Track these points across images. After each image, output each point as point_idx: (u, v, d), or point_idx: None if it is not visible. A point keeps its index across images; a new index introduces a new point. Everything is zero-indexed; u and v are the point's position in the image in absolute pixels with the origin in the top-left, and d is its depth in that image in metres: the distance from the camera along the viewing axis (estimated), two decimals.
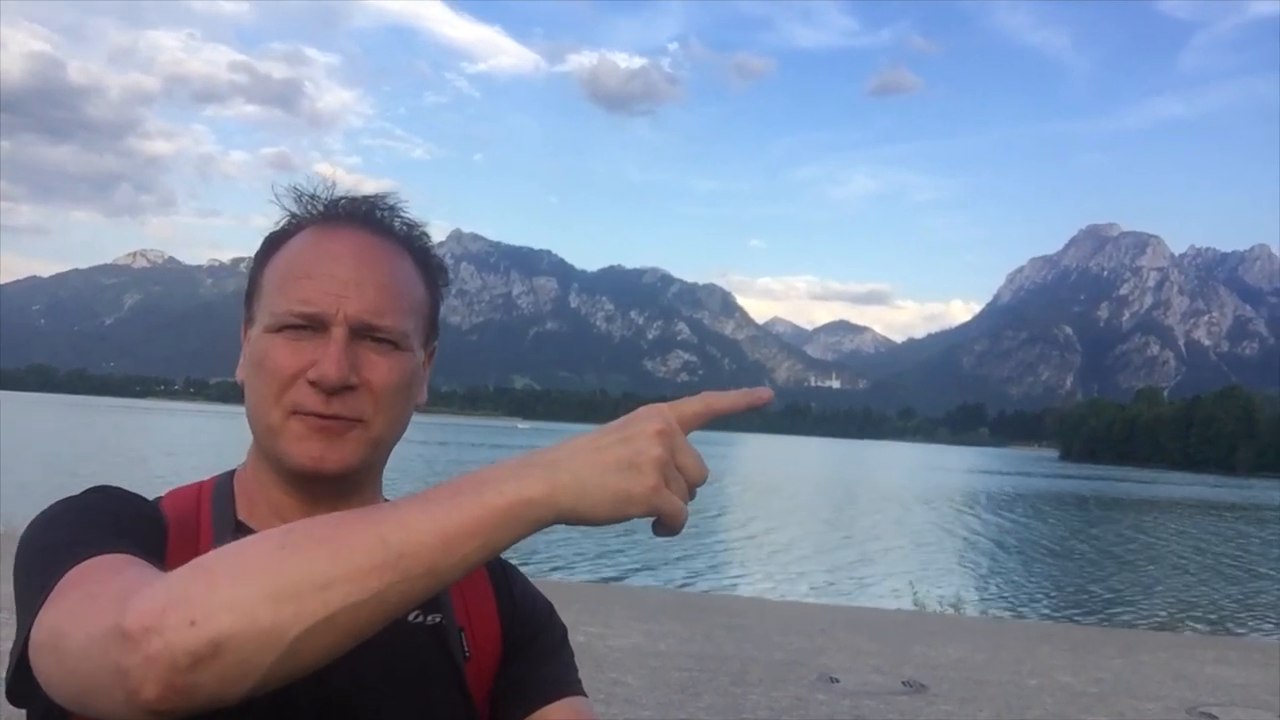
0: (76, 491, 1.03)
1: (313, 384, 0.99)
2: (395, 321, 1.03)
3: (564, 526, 0.82)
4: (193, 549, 1.00)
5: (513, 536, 0.80)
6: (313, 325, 1.00)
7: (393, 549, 0.76)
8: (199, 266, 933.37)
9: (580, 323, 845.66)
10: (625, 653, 8.47)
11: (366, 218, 1.07)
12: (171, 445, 55.50)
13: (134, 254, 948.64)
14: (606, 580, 16.78)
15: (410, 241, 1.10)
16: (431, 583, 0.78)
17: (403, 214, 1.10)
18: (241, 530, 1.05)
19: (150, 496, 1.09)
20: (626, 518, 0.81)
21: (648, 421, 0.82)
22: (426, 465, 51.56)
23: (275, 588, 0.75)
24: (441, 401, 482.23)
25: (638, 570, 18.46)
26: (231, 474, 1.12)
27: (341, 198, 1.08)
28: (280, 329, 1.01)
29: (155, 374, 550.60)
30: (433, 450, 69.81)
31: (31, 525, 0.97)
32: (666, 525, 0.82)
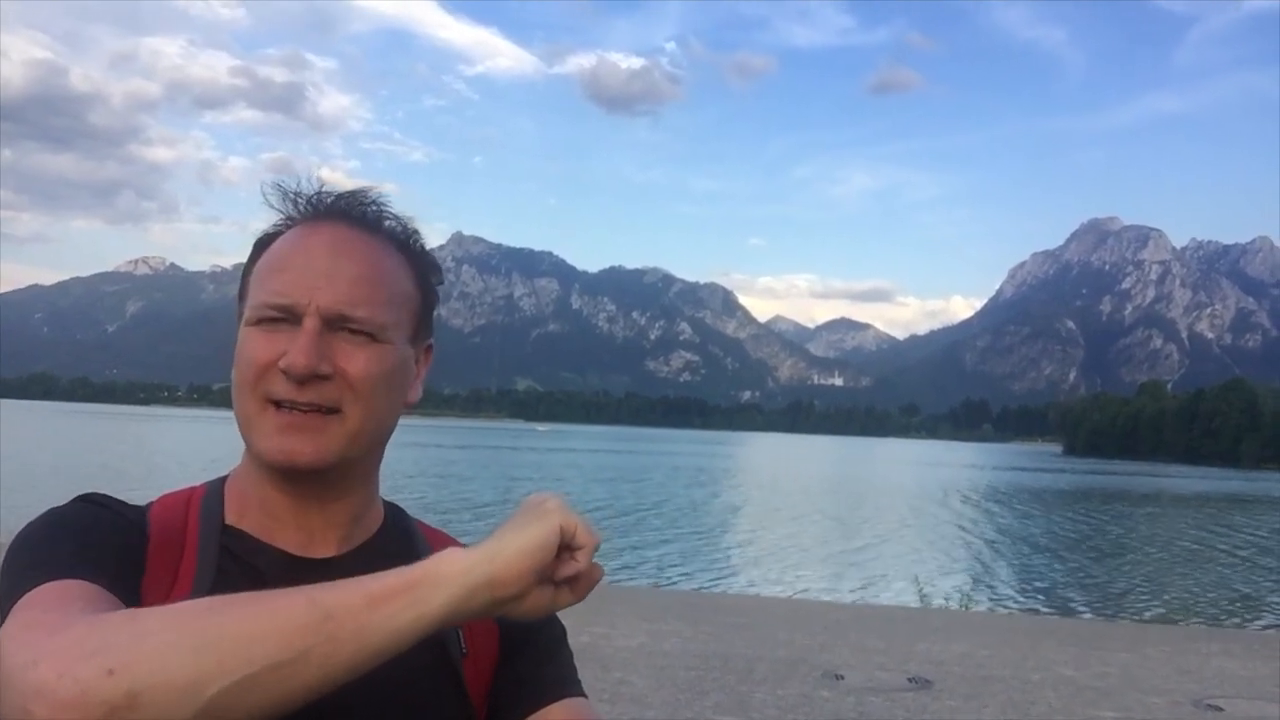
0: (68, 499, 1.03)
1: (284, 372, 0.99)
2: (370, 313, 1.02)
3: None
4: (176, 556, 1.01)
5: (443, 598, 0.81)
6: (287, 317, 1.00)
7: (319, 608, 0.78)
8: (201, 273, 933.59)
9: (582, 324, 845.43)
10: (631, 652, 8.50)
11: (349, 212, 1.07)
12: (184, 451, 55.57)
13: (135, 261, 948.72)
14: (611, 580, 16.81)
15: (398, 236, 1.10)
16: (359, 650, 0.79)
17: (390, 209, 1.10)
18: (229, 533, 1.05)
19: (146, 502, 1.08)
20: (545, 546, 0.85)
21: (539, 494, 0.90)
22: (474, 468, 51.66)
23: (199, 640, 0.74)
24: (444, 404, 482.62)
25: (643, 570, 18.49)
26: (224, 479, 1.12)
27: (327, 193, 1.09)
28: (258, 321, 1.02)
29: (158, 381, 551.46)
30: (458, 454, 69.88)
31: (13, 541, 0.97)
32: (577, 564, 0.88)
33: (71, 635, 0.76)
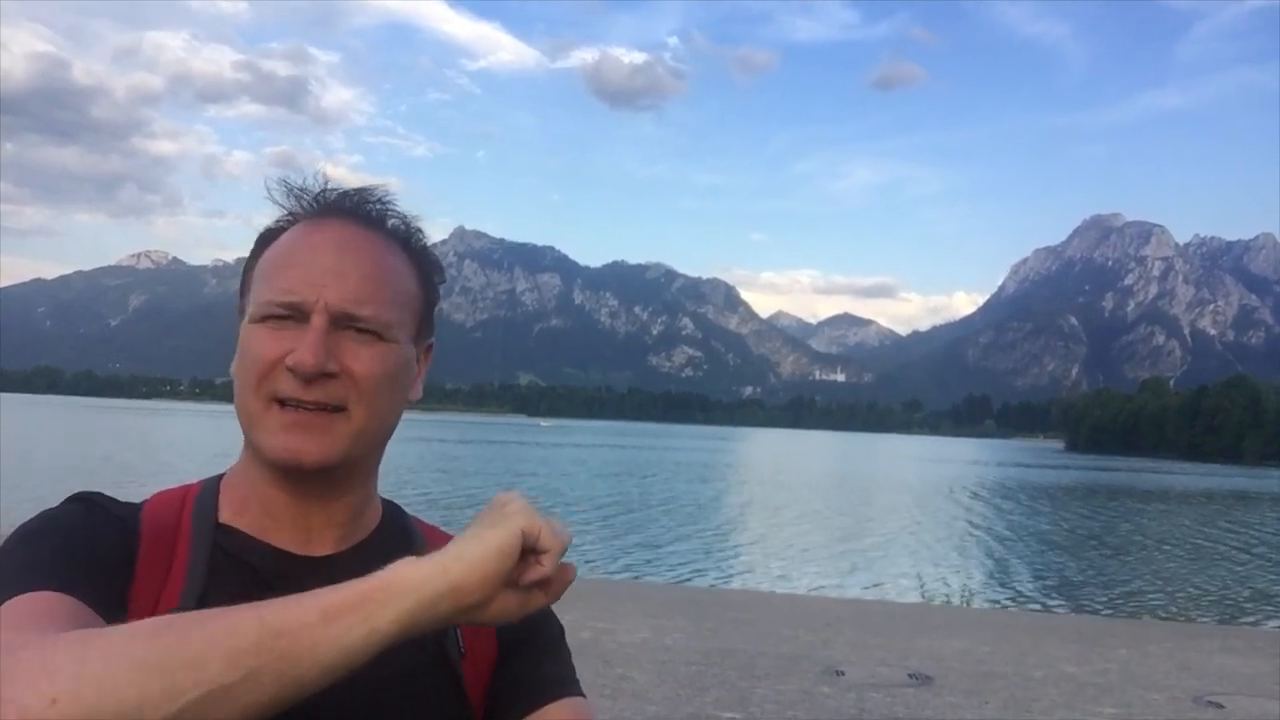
0: (67, 495, 1.03)
1: (290, 370, 0.98)
2: (377, 311, 1.02)
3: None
4: (168, 555, 1.01)
5: (398, 611, 0.78)
6: (294, 315, 1.00)
7: (270, 627, 0.75)
8: (203, 266, 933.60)
9: (584, 319, 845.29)
10: (633, 648, 8.52)
11: (354, 210, 1.07)
12: (187, 445, 55.65)
13: (138, 255, 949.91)
14: (615, 576, 16.82)
15: (402, 235, 1.09)
16: (312, 667, 0.76)
17: (394, 207, 1.09)
18: (223, 532, 1.04)
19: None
20: (505, 552, 0.82)
21: (503, 494, 0.87)
22: (479, 463, 51.61)
23: (144, 663, 0.72)
24: (446, 399, 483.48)
25: (645, 566, 18.51)
26: (220, 477, 1.10)
27: (332, 190, 1.08)
28: (263, 319, 1.01)
29: (161, 374, 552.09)
30: (461, 448, 69.83)
31: (3, 545, 0.96)
32: (542, 568, 0.85)
33: (19, 660, 0.73)
